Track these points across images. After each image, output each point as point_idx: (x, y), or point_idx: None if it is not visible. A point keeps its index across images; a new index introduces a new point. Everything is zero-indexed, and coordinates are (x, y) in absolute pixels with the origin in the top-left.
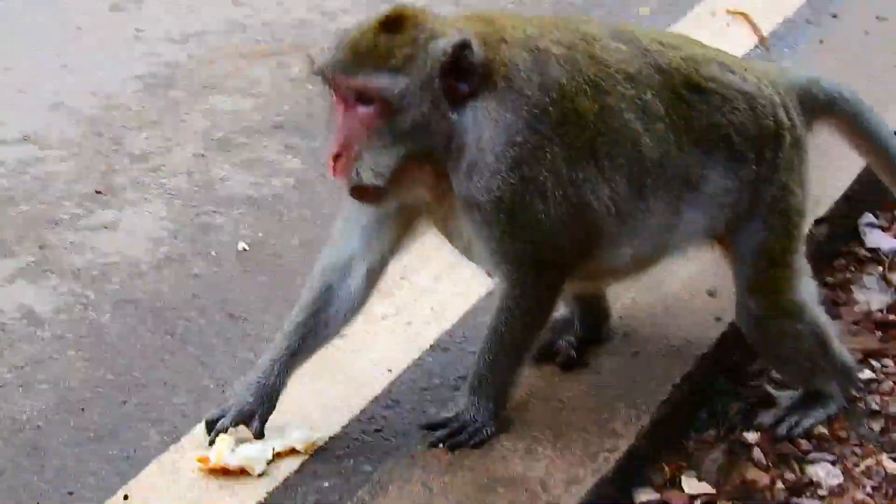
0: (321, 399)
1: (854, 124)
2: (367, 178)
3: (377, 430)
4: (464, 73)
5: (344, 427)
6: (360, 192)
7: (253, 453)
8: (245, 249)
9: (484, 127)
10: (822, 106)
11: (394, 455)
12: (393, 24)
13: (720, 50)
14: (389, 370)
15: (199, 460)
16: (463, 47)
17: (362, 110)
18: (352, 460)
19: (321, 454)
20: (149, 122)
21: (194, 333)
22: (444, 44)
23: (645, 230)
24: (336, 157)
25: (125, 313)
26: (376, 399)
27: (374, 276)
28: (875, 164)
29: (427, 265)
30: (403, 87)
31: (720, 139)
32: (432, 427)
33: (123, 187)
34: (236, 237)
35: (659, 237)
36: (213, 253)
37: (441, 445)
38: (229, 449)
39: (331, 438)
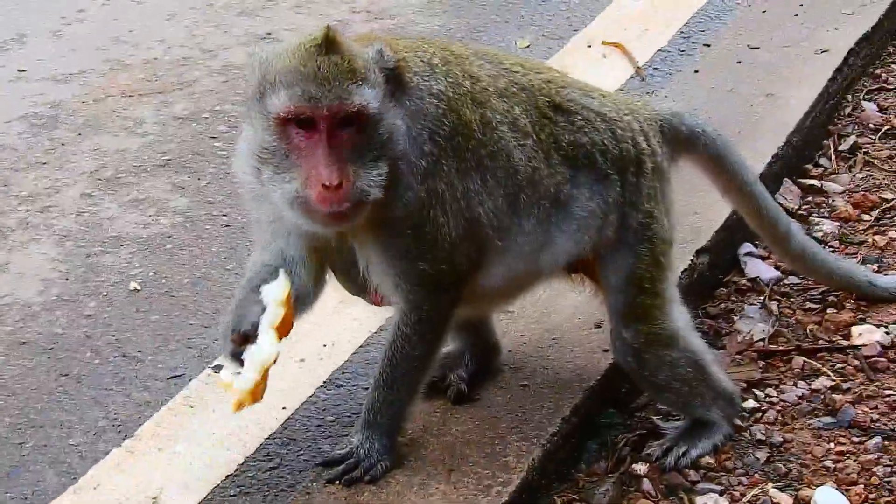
0: (217, 436)
1: (717, 164)
2: (373, 192)
3: (273, 468)
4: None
5: (240, 465)
6: (348, 213)
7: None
8: (136, 289)
9: (400, 138)
10: (685, 141)
11: (290, 493)
12: (332, 44)
13: (577, 79)
14: (284, 407)
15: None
16: (382, 53)
17: (346, 132)
18: (248, 498)
19: (218, 491)
20: (35, 163)
21: (89, 374)
22: (373, 52)
23: (518, 248)
24: (338, 187)
25: (19, 355)
26: (272, 436)
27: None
28: (738, 206)
29: (319, 301)
30: (379, 96)
31: (585, 158)
32: (328, 464)
33: (12, 229)
34: (127, 277)
35: (530, 257)
36: (104, 293)
37: (337, 482)
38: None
39: (227, 476)
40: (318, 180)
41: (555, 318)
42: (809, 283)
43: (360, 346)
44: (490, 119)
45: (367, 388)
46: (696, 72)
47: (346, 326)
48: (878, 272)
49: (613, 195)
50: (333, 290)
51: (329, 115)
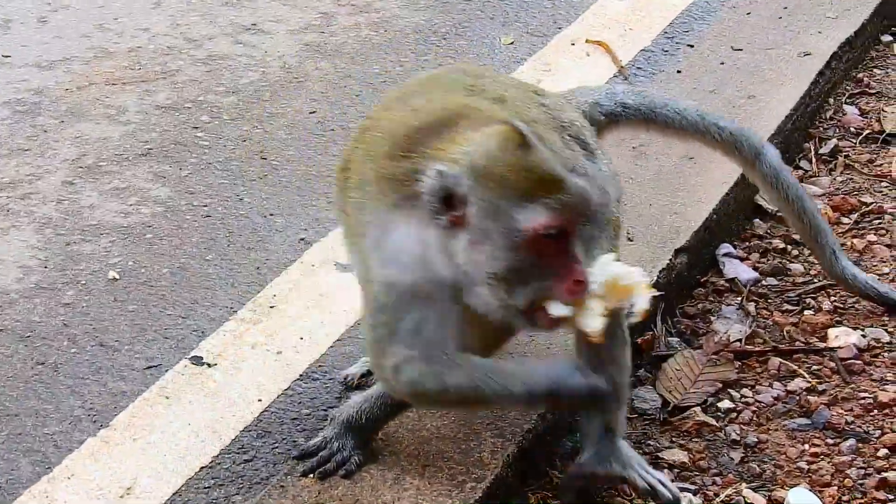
0: (192, 427)
1: (649, 126)
2: None
3: (248, 461)
4: None
5: (214, 457)
6: None
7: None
8: (115, 278)
9: None
10: (606, 124)
11: (264, 485)
12: (524, 136)
13: None
14: (260, 399)
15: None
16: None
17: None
18: (222, 490)
19: (192, 482)
20: (17, 150)
21: (65, 363)
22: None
23: None
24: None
25: None
26: (247, 429)
27: None
28: (702, 145)
29: (297, 294)
30: None
31: (578, 134)
32: (303, 457)
33: None
34: (106, 266)
35: None
36: (83, 282)
37: (311, 476)
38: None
39: (201, 468)
40: (569, 278)
41: None
42: (787, 284)
43: (337, 340)
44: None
45: (342, 382)
46: (679, 72)
47: (323, 320)
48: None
49: (605, 167)
50: (312, 281)
51: (585, 216)
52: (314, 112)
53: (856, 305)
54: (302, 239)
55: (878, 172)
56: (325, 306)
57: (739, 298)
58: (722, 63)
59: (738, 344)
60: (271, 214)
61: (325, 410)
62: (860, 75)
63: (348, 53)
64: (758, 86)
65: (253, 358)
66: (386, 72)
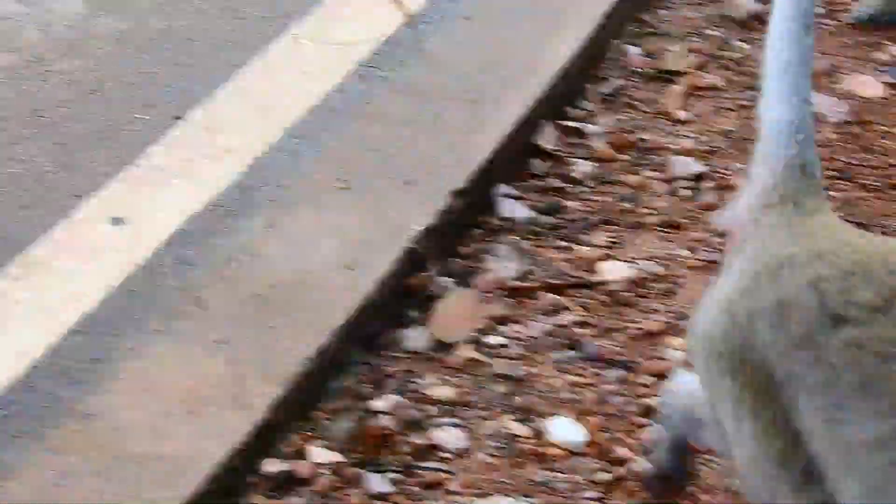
0: None
1: None
2: None
3: (9, 416)
4: None
5: None
6: None
7: None
8: None
9: None
10: None
11: (25, 438)
12: None
13: None
14: (26, 354)
15: None
16: None
17: None
18: None
19: None
20: None
21: None
22: None
23: None
24: None
25: None
26: (11, 385)
27: None
28: None
29: (67, 250)
30: None
31: None
32: None
33: None
34: None
35: None
36: None
37: None
38: None
39: None
40: None
41: (305, 260)
42: (562, 222)
43: (107, 296)
44: None
45: (113, 336)
46: (468, 18)
47: (94, 276)
48: (631, 211)
49: None
50: (86, 235)
51: None
52: (96, 70)
53: (633, 240)
54: (76, 195)
55: (659, 110)
56: (96, 262)
57: (515, 238)
58: (511, 8)
59: (510, 281)
60: (46, 171)
61: (90, 364)
62: (644, 16)
63: (133, 10)
64: (545, 29)
65: (20, 314)
66: (170, 28)
